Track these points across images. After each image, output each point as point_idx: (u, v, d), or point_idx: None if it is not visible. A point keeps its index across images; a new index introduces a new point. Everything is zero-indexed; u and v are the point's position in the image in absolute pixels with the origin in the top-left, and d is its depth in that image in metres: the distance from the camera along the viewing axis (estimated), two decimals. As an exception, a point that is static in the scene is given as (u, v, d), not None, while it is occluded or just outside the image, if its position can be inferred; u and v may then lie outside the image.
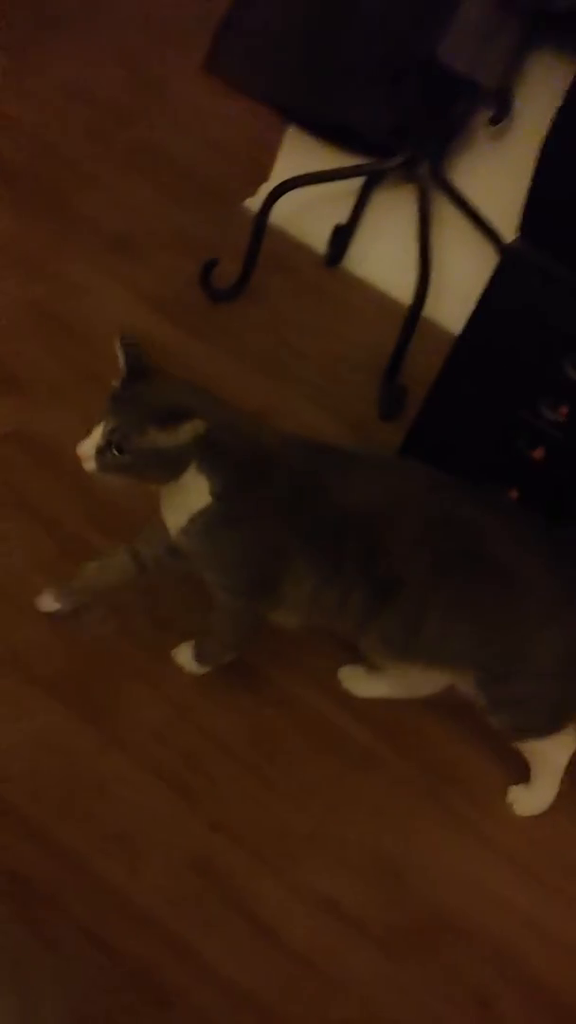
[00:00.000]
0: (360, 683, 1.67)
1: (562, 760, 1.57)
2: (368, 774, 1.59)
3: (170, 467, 1.33)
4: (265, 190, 2.37)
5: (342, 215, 2.34)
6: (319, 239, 2.38)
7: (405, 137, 2.06)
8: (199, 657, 1.61)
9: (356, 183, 2.30)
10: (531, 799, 1.60)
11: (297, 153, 2.32)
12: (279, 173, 2.35)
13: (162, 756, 1.53)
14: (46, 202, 2.33)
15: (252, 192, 2.42)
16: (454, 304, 2.17)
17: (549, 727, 1.51)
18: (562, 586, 1.42)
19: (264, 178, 2.41)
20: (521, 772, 1.61)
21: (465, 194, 2.13)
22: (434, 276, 2.08)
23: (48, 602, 1.62)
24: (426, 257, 2.06)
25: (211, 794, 1.51)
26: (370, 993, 1.39)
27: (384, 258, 2.32)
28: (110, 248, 2.28)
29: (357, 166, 2.18)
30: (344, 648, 1.66)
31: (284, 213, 2.28)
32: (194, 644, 1.61)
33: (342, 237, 2.35)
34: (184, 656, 1.61)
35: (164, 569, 1.55)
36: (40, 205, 2.32)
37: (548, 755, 1.56)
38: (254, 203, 2.40)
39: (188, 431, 1.29)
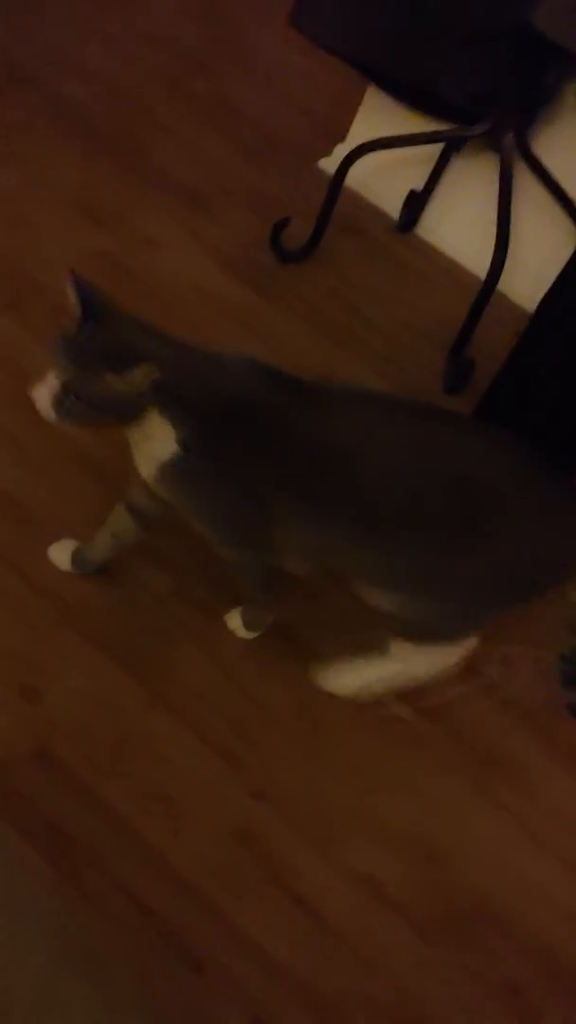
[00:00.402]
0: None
1: (429, 670, 1.53)
2: (414, 754, 1.57)
3: (130, 412, 1.27)
4: (341, 151, 2.32)
5: (418, 181, 2.28)
6: (393, 204, 2.33)
7: (491, 105, 2.00)
8: (247, 623, 1.59)
9: (435, 149, 2.24)
10: (343, 676, 1.57)
11: (376, 115, 2.27)
12: (356, 134, 2.30)
13: (209, 720, 1.53)
14: (120, 151, 2.29)
15: (327, 152, 2.37)
16: (529, 280, 2.12)
17: (458, 636, 1.49)
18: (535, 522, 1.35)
19: (340, 138, 2.36)
20: (570, 760, 1.58)
21: (548, 167, 2.06)
22: (510, 250, 2.02)
23: (62, 560, 1.61)
24: (505, 230, 2.00)
25: (255, 762, 1.51)
26: (403, 974, 1.38)
27: (459, 228, 2.26)
28: (181, 201, 2.24)
29: (438, 132, 2.12)
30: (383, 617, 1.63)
31: (359, 175, 2.23)
32: (242, 609, 1.60)
33: (417, 203, 2.29)
34: (235, 621, 1.60)
35: (164, 517, 1.49)
36: (114, 154, 2.28)
37: (428, 660, 1.52)
38: (329, 163, 2.35)
39: (141, 376, 1.22)
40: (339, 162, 2.15)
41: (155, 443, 1.30)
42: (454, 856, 1.49)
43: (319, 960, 1.37)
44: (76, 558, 1.60)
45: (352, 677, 1.56)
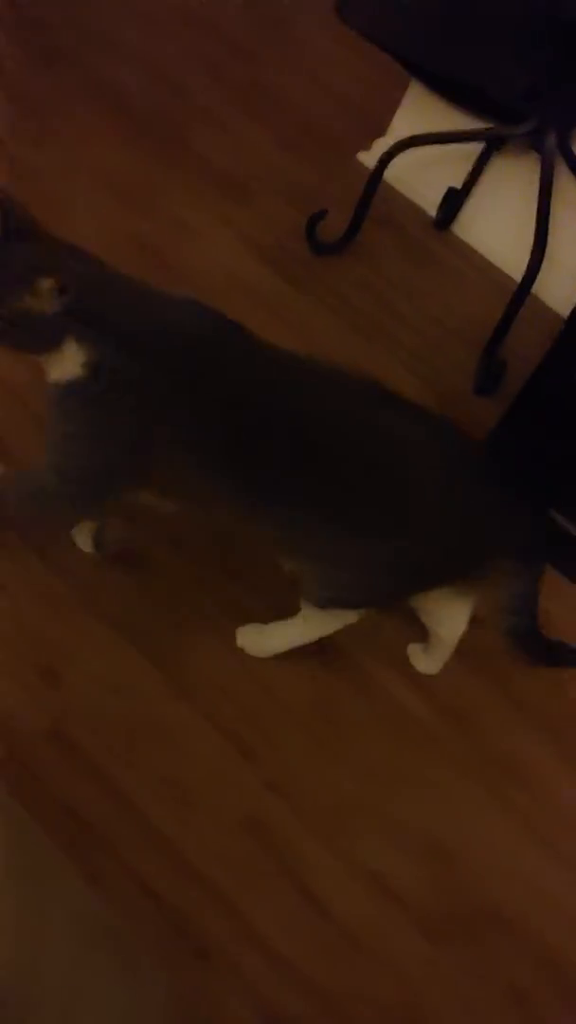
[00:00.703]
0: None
1: (331, 625, 1.53)
2: (427, 754, 1.57)
3: (50, 340, 1.23)
4: (380, 145, 2.30)
5: (457, 178, 2.27)
6: (430, 200, 2.32)
7: (535, 104, 1.98)
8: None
9: (475, 147, 2.22)
10: (261, 639, 1.58)
11: (417, 110, 2.25)
12: (397, 129, 2.29)
13: (224, 709, 1.53)
14: (158, 135, 2.29)
15: (366, 145, 2.35)
16: (565, 284, 2.11)
17: (359, 605, 1.49)
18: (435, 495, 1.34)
19: (380, 132, 2.35)
20: (582, 770, 1.58)
21: (590, 170, 2.05)
22: (548, 252, 2.01)
23: (83, 541, 1.60)
24: (543, 232, 1.99)
25: (269, 754, 1.50)
26: (407, 973, 1.38)
27: (496, 227, 2.25)
28: (218, 188, 2.24)
29: (480, 130, 2.11)
30: (415, 623, 1.63)
31: (397, 170, 2.22)
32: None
33: (454, 201, 2.28)
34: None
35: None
36: (151, 138, 2.28)
37: (327, 623, 1.53)
38: (367, 157, 2.34)
39: (46, 288, 1.18)
40: (378, 157, 2.13)
41: (64, 366, 1.26)
42: (464, 857, 1.49)
43: (325, 954, 1.37)
44: (96, 538, 1.60)
45: (268, 639, 1.57)
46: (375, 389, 1.37)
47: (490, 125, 2.09)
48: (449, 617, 1.55)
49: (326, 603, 1.48)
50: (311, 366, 1.37)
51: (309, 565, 1.43)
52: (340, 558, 1.38)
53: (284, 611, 1.54)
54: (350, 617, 1.51)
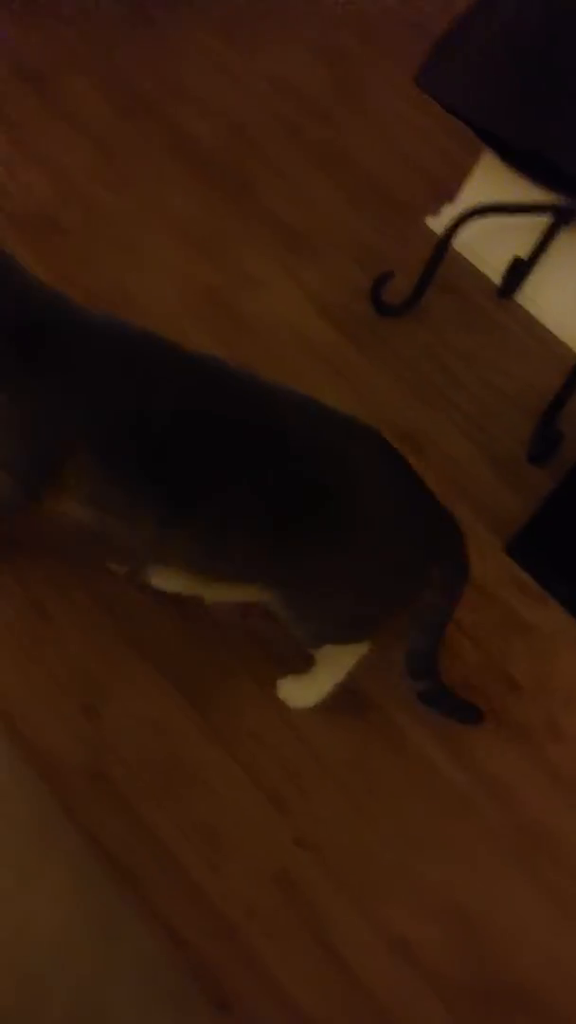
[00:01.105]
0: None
1: (347, 661, 1.54)
2: (459, 820, 1.56)
3: None
4: (449, 211, 2.34)
5: (524, 248, 2.30)
6: (495, 268, 2.35)
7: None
8: None
9: (544, 219, 2.25)
10: (302, 691, 1.58)
11: (489, 179, 2.29)
12: (467, 197, 2.32)
13: (260, 758, 1.53)
14: (232, 188, 2.34)
15: (435, 211, 2.39)
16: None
17: (351, 637, 1.50)
18: (378, 516, 1.35)
19: (450, 197, 2.39)
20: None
21: None
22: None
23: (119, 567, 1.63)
24: (606, 307, 2.01)
25: (302, 807, 1.50)
26: (428, 1043, 1.37)
27: (560, 300, 2.27)
28: (287, 244, 2.28)
29: (550, 203, 2.14)
30: (443, 676, 1.63)
31: (464, 236, 2.25)
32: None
33: (520, 271, 2.31)
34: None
35: None
36: (226, 190, 2.33)
37: (338, 661, 1.55)
38: (435, 222, 2.38)
39: None
40: (447, 223, 2.17)
41: None
42: (492, 930, 1.47)
43: (345, 1015, 1.36)
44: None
45: (306, 689, 1.59)
46: (300, 396, 1.38)
47: (561, 198, 2.12)
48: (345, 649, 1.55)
49: (314, 640, 1.50)
50: (239, 374, 1.37)
51: (275, 591, 1.43)
52: (288, 579, 1.39)
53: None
54: (357, 649, 1.53)
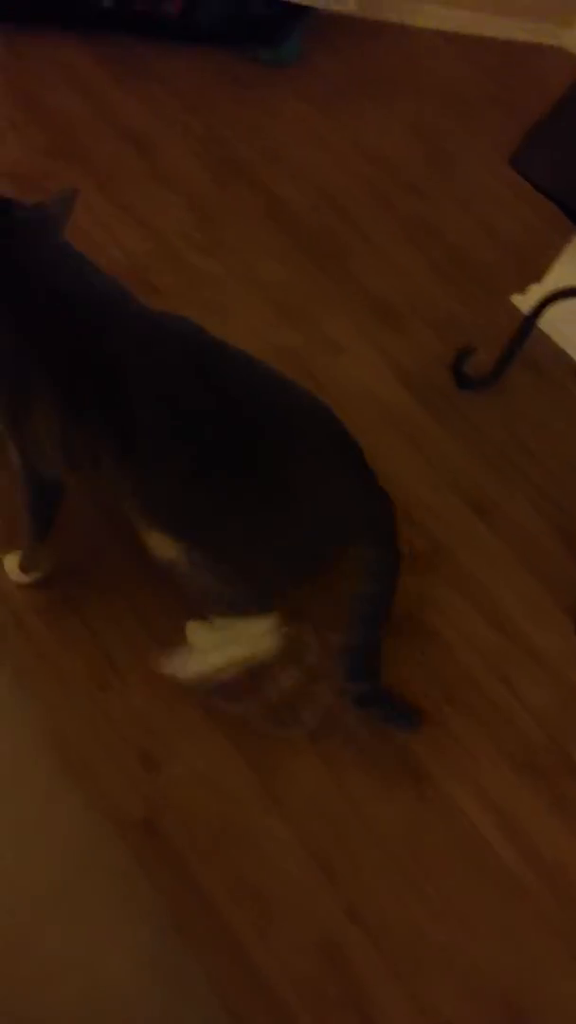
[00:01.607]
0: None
1: (239, 651, 1.53)
2: (513, 903, 1.53)
3: None
4: (536, 291, 2.36)
5: (607, 329, 2.31)
6: (577, 348, 2.35)
7: None
8: (22, 560, 1.64)
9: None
10: (187, 662, 1.56)
11: (576, 260, 2.31)
12: (555, 277, 2.34)
13: (313, 825, 1.53)
14: (321, 254, 2.39)
15: (522, 289, 2.41)
16: None
17: (251, 605, 1.49)
18: (302, 478, 1.38)
19: (536, 276, 2.40)
20: None
21: None
22: None
23: (11, 569, 1.65)
24: None
25: (353, 878, 1.49)
26: None
27: None
28: (371, 311, 2.32)
29: None
30: (503, 754, 1.61)
31: (549, 316, 2.26)
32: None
33: (602, 352, 2.31)
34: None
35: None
36: (315, 256, 2.38)
37: (233, 635, 1.52)
38: (521, 301, 2.39)
39: None
40: (533, 302, 2.18)
41: None
42: (537, 1019, 1.44)
43: None
44: (27, 562, 1.65)
45: (191, 662, 1.57)
46: (266, 368, 1.46)
47: None
48: (245, 636, 1.53)
49: (215, 604, 1.50)
50: (201, 337, 1.47)
51: (180, 547, 1.43)
52: (205, 534, 1.41)
53: (383, 739, 1.54)
54: (252, 632, 1.51)
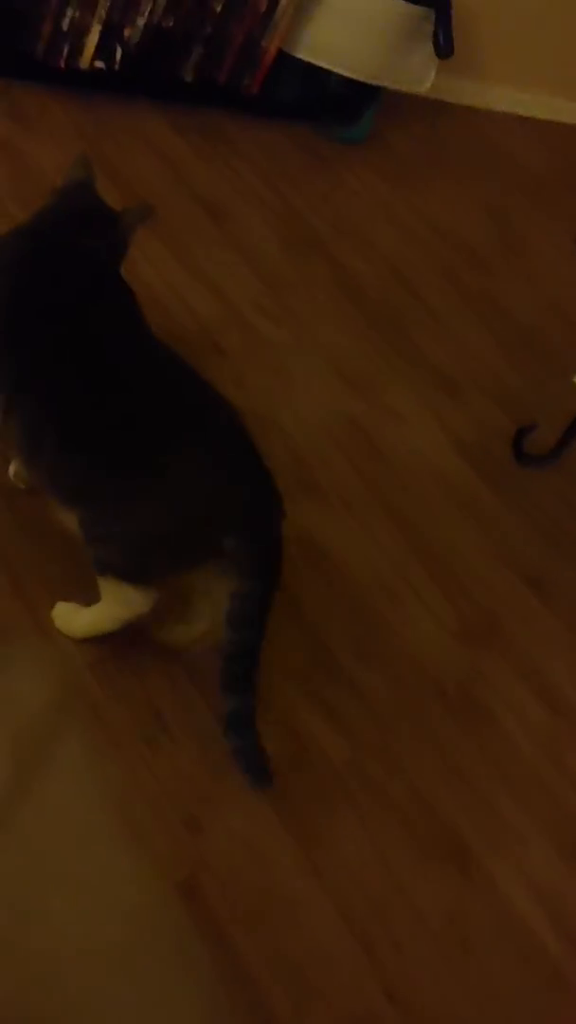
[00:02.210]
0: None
1: (121, 612, 1.56)
2: (555, 995, 1.49)
3: None
4: (600, 369, 2.37)
5: None
6: None
7: None
8: None
9: None
10: (72, 618, 1.59)
11: None
12: (619, 356, 2.35)
13: (354, 899, 1.50)
14: (387, 325, 2.42)
15: (585, 368, 2.42)
16: None
17: (131, 576, 1.52)
18: (189, 449, 1.47)
19: (601, 357, 2.41)
20: None
21: None
22: None
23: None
24: None
25: (393, 959, 1.46)
26: None
27: None
28: (434, 383, 2.33)
29: None
30: (553, 839, 1.57)
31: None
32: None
33: None
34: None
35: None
36: (381, 327, 2.41)
37: (115, 599, 1.56)
38: (584, 380, 2.40)
39: None
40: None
41: None
42: None
43: None
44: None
45: (77, 619, 1.59)
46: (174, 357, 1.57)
47: None
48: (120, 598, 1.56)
49: (100, 565, 1.54)
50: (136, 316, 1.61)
51: (77, 509, 1.52)
52: (98, 494, 1.50)
53: (429, 814, 1.51)
54: (133, 599, 1.54)
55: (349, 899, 1.49)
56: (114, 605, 1.58)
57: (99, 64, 2.59)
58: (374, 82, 2.83)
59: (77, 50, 2.55)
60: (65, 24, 2.49)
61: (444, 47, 2.75)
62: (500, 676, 1.85)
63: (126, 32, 2.56)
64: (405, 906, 1.51)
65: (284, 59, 2.77)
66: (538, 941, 1.53)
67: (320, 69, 2.79)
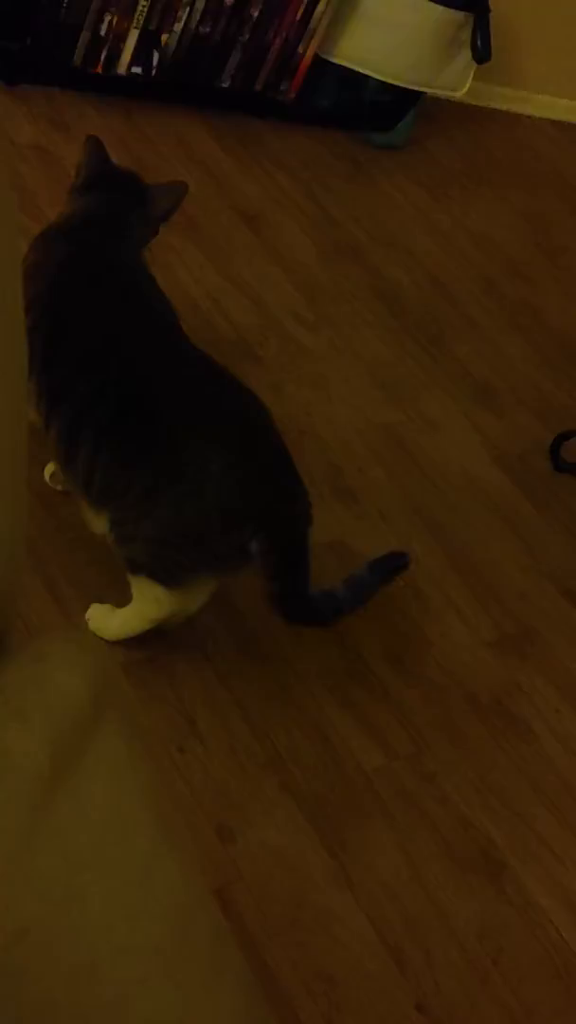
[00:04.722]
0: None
1: (152, 612, 1.56)
2: (592, 1015, 1.46)
3: None
4: None
5: None
6: None
7: None
8: None
9: None
10: (106, 619, 1.59)
11: None
12: None
13: (388, 912, 1.48)
14: (425, 335, 2.41)
15: (625, 376, 2.39)
16: None
17: (161, 575, 1.52)
18: (215, 454, 1.46)
19: None
20: None
21: None
22: None
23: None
24: None
25: (425, 972, 1.44)
26: None
27: None
28: (471, 393, 2.32)
29: None
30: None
31: None
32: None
33: None
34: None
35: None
36: (419, 337, 2.40)
37: (147, 599, 1.56)
38: (624, 388, 2.38)
39: None
40: None
41: None
42: None
43: None
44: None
45: (111, 620, 1.59)
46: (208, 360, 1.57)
47: None
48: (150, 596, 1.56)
49: (132, 566, 1.54)
50: (175, 325, 1.61)
51: (108, 510, 1.53)
52: (127, 493, 1.49)
53: (464, 826, 1.49)
54: (165, 599, 1.55)
55: (382, 911, 1.48)
56: (145, 605, 1.58)
57: (136, 70, 2.60)
58: (412, 87, 2.82)
59: (114, 56, 2.56)
60: (103, 30, 2.50)
61: (482, 52, 2.73)
62: (536, 688, 1.83)
63: (163, 38, 2.56)
64: (438, 919, 1.49)
65: (321, 65, 2.76)
66: (573, 958, 1.51)
67: (357, 75, 2.78)
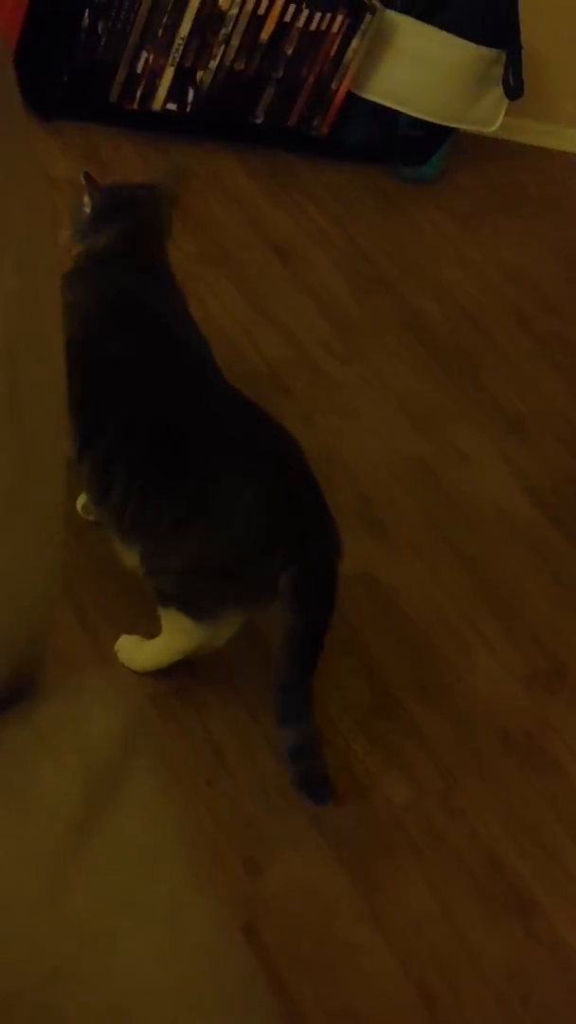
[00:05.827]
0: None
1: (181, 644, 1.57)
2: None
3: None
4: None
5: None
6: None
7: None
8: None
9: None
10: (135, 651, 1.60)
11: None
12: None
13: (415, 949, 1.47)
14: (456, 367, 2.41)
15: None
16: None
17: (190, 607, 1.52)
18: (243, 488, 1.47)
19: None
20: None
21: None
22: None
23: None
24: None
25: (453, 1012, 1.42)
26: None
27: None
28: (503, 426, 2.32)
29: None
30: None
31: None
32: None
33: None
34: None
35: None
36: (450, 369, 2.40)
37: (176, 631, 1.56)
38: None
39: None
40: None
41: None
42: None
43: None
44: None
45: (139, 652, 1.60)
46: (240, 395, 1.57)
47: None
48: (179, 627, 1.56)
49: (163, 598, 1.54)
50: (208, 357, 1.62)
51: (138, 544, 1.53)
52: (158, 526, 1.51)
53: (493, 864, 1.48)
54: (194, 631, 1.55)
55: (409, 948, 1.46)
56: (175, 637, 1.58)
57: (171, 106, 2.63)
58: (444, 123, 2.84)
59: (150, 92, 2.60)
60: (140, 67, 2.55)
61: (514, 88, 2.76)
62: (567, 724, 1.81)
63: (199, 75, 2.60)
64: (467, 957, 1.48)
65: (354, 100, 2.79)
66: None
67: (390, 110, 2.81)
